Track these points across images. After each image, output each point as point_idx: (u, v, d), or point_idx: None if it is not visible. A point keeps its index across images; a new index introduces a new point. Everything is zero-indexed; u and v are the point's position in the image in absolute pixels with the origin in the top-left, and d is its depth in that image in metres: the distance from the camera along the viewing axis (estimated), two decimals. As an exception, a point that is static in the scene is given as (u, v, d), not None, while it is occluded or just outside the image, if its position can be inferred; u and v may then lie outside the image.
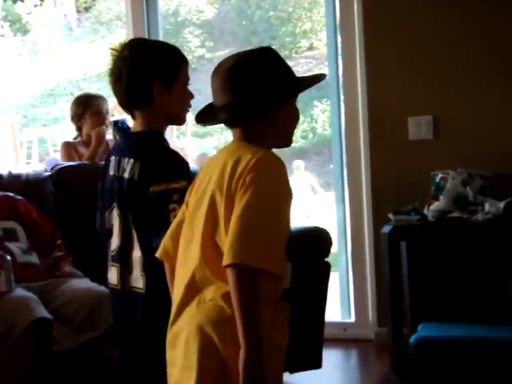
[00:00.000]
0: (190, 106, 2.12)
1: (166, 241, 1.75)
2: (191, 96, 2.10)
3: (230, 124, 1.69)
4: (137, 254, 1.98)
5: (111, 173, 2.08)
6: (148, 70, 2.01)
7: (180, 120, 2.14)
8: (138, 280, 1.98)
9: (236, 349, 1.50)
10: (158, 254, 1.76)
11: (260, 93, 1.62)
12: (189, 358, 1.55)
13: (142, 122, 2.06)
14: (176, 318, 1.62)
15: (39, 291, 2.66)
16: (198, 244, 1.60)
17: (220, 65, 1.68)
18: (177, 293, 1.65)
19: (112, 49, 2.06)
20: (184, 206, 1.73)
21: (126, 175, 2.00)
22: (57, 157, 4.19)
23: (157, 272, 1.89)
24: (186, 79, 2.08)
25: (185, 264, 1.64)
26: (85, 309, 2.59)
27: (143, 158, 1.98)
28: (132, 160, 2.00)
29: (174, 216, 1.83)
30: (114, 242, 2.05)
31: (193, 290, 1.59)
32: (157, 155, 1.99)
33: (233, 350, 1.50)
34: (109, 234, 2.07)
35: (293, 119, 1.70)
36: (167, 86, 2.02)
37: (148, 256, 1.96)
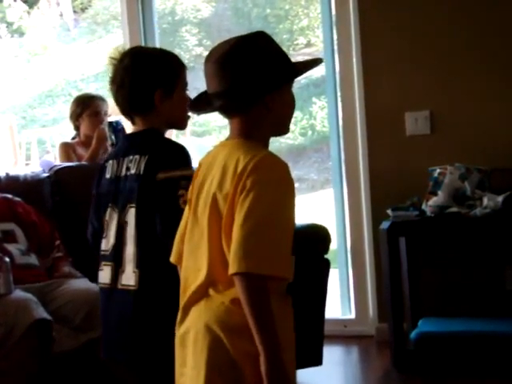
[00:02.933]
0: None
1: (178, 244, 1.72)
2: (189, 100, 2.09)
3: (226, 111, 1.65)
4: (130, 250, 1.99)
5: (107, 176, 2.11)
6: (150, 79, 2.06)
7: (181, 124, 2.19)
8: (129, 278, 1.98)
9: (245, 346, 1.49)
10: (172, 259, 1.73)
11: (256, 78, 1.58)
12: (197, 357, 1.54)
13: (143, 126, 2.10)
14: (183, 317, 1.61)
15: (38, 292, 2.66)
16: (206, 247, 1.58)
17: (213, 51, 1.64)
18: (184, 293, 1.63)
19: (111, 57, 2.10)
20: (187, 207, 1.71)
21: (132, 171, 2.02)
22: (49, 158, 4.20)
23: (151, 268, 1.91)
24: (185, 84, 2.13)
25: (193, 265, 1.62)
26: (84, 309, 2.60)
27: (150, 152, 2.01)
28: (137, 156, 2.03)
29: (183, 202, 1.84)
30: (109, 241, 2.05)
31: (201, 291, 1.58)
32: (163, 147, 2.04)
33: (242, 347, 1.50)
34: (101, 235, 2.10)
35: (290, 105, 1.67)
36: (168, 93, 2.07)
37: (144, 252, 1.97)
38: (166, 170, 1.96)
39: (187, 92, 2.14)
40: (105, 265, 2.07)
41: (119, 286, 2.01)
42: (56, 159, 5.98)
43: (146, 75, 2.06)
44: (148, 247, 1.97)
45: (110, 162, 2.11)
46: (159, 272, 1.92)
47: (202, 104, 1.69)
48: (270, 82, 1.60)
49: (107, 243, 2.06)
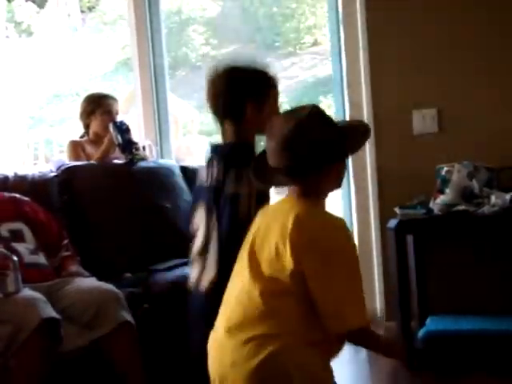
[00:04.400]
0: None
1: None
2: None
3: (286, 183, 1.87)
4: (213, 255, 2.18)
5: (201, 180, 2.33)
6: (241, 91, 2.27)
7: None
8: (208, 278, 2.16)
9: None
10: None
11: (314, 159, 1.78)
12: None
13: (233, 134, 2.30)
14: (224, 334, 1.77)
15: (47, 291, 2.66)
16: (256, 287, 1.76)
17: (274, 127, 1.83)
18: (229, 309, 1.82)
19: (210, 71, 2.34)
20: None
21: (214, 182, 2.23)
22: (63, 158, 4.20)
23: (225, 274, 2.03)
24: (276, 102, 2.33)
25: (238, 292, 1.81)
26: (92, 308, 2.60)
27: (231, 166, 2.20)
28: (219, 167, 2.23)
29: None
30: (198, 243, 2.25)
31: (246, 322, 1.75)
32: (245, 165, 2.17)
33: None
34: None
35: (343, 172, 1.88)
36: (259, 106, 2.28)
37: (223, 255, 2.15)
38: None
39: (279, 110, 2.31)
40: (194, 264, 2.28)
41: (200, 285, 2.20)
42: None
43: (239, 86, 2.27)
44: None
45: (207, 165, 2.31)
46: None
47: (267, 177, 1.91)
48: (327, 161, 1.80)
49: (197, 244, 2.27)
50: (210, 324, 1.96)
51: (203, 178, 2.31)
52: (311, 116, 1.80)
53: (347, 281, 1.73)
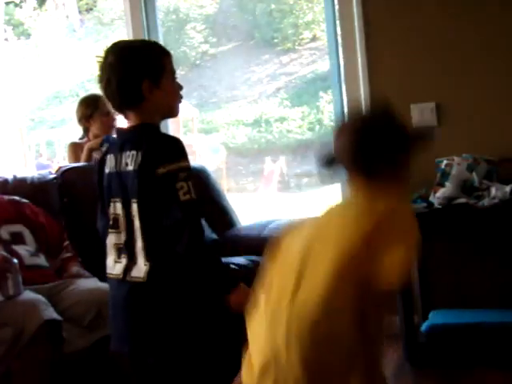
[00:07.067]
0: (181, 97, 2.19)
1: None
2: (180, 87, 2.17)
3: (350, 168, 1.79)
4: (139, 244, 2.02)
5: (107, 171, 2.12)
6: (134, 72, 2.07)
7: (174, 112, 2.19)
8: (140, 270, 2.02)
9: None
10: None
11: (388, 152, 1.76)
12: None
13: (137, 119, 2.10)
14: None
15: (48, 293, 2.67)
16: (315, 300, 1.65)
17: (343, 127, 1.80)
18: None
19: (97, 56, 2.13)
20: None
21: (130, 167, 2.04)
22: (42, 161, 4.21)
23: (159, 260, 1.97)
24: (172, 72, 2.14)
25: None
26: (94, 308, 2.61)
27: (145, 147, 2.03)
28: (134, 152, 2.04)
29: (184, 193, 1.94)
30: (122, 234, 2.09)
31: None
32: (157, 141, 2.05)
33: None
34: (113, 227, 2.11)
35: (408, 173, 1.86)
36: (155, 83, 2.07)
37: (151, 245, 2.01)
38: (164, 164, 1.97)
39: (176, 79, 2.15)
40: (122, 257, 2.10)
41: (127, 278, 2.05)
42: (53, 162, 5.95)
43: (129, 68, 2.07)
44: (155, 240, 2.01)
45: (109, 156, 2.13)
46: (167, 264, 1.97)
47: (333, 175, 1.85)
48: (396, 159, 1.79)
49: (120, 237, 2.09)
50: (136, 314, 1.97)
51: (111, 164, 2.10)
52: (384, 114, 1.80)
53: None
